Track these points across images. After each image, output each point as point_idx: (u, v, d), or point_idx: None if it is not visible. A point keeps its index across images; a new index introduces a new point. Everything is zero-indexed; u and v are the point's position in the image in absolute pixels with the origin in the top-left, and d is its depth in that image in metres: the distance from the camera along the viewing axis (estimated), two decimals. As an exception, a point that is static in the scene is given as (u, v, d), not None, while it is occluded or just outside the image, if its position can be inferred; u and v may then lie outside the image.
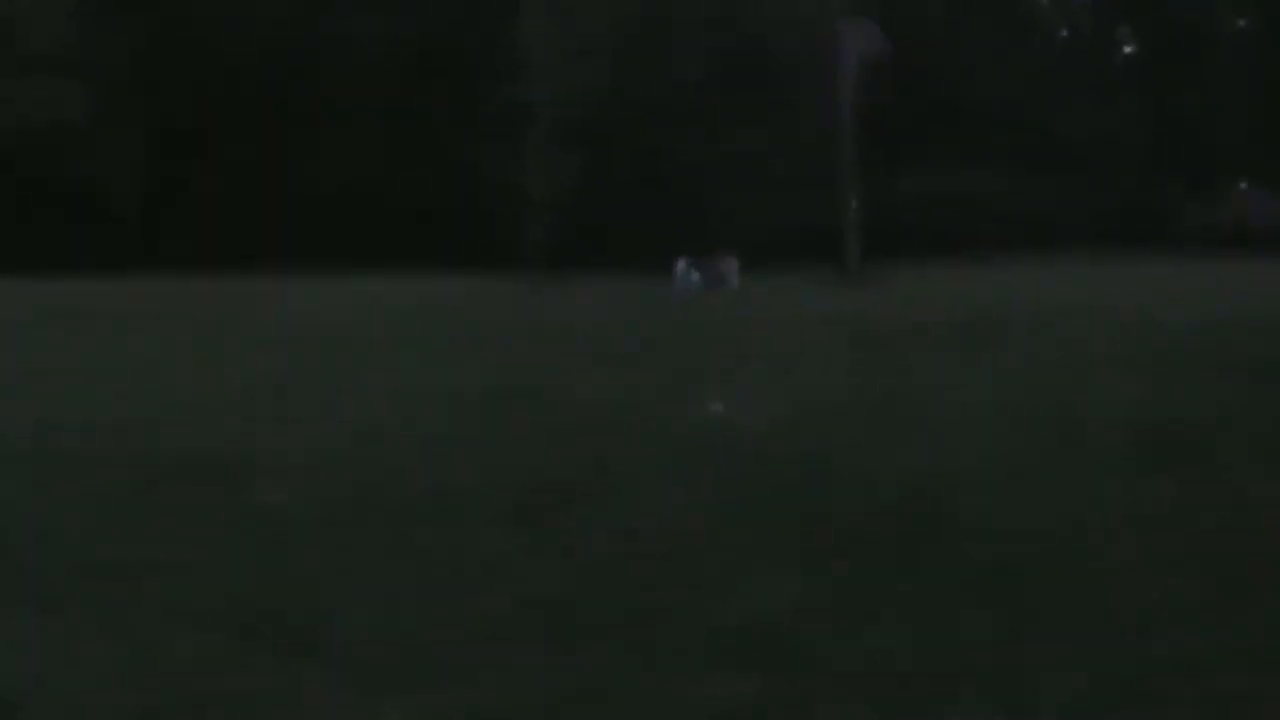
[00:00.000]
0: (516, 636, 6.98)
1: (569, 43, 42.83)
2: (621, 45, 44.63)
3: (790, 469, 10.95)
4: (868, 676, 6.44)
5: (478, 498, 9.96)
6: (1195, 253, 44.87)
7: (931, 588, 7.67)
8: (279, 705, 6.21)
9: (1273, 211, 50.06)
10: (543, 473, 10.87)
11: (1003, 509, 9.40)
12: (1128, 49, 67.40)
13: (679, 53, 46.02)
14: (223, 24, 51.02)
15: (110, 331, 22.72)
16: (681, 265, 35.09)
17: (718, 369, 17.34)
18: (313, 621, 7.22)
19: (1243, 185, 56.17)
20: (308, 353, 19.38)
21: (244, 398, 15.26)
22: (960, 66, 56.24)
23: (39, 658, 6.78)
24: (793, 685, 6.34)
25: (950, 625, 7.04)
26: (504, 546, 8.63)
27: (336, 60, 50.00)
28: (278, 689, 6.35)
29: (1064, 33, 67.65)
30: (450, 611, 7.37)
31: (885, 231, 40.62)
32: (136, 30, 49.53)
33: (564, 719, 6.07)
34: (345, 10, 49.48)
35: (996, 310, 24.42)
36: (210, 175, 49.55)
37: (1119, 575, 7.84)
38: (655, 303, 28.68)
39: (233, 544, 8.79)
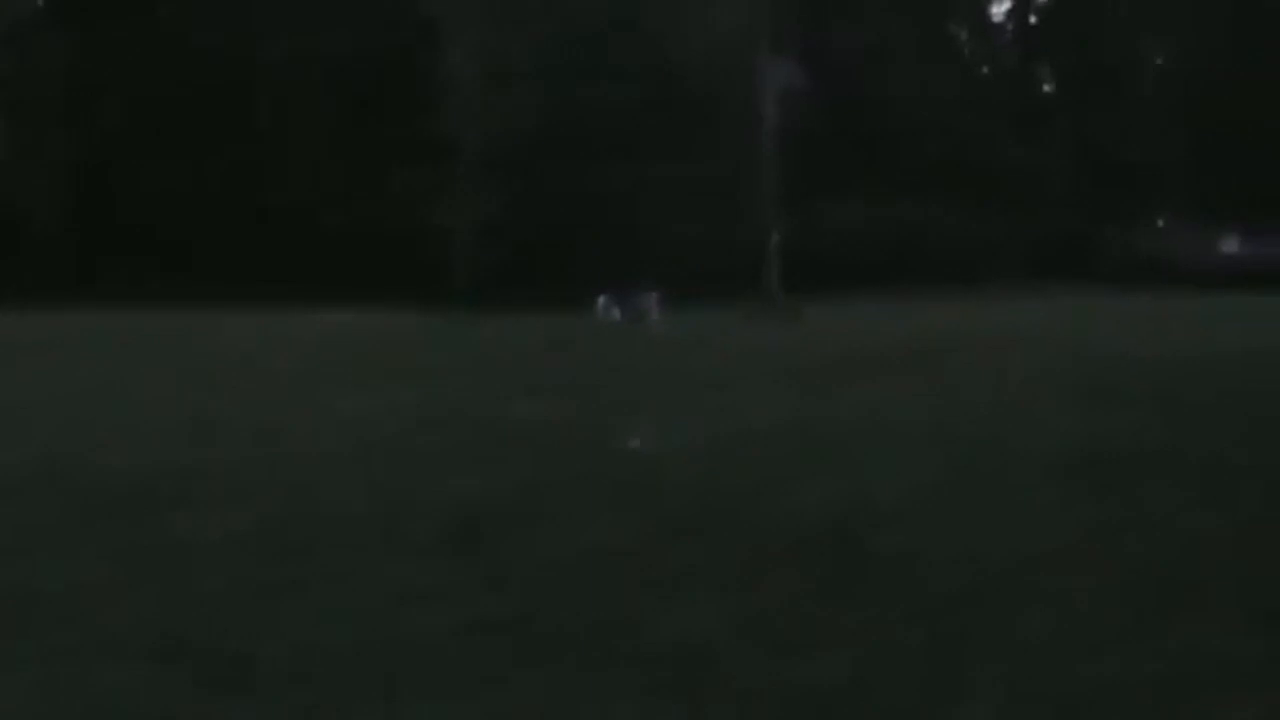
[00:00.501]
0: (448, 662, 7.00)
1: (494, 73, 42.72)
2: (547, 76, 44.56)
3: (717, 497, 10.89)
4: (794, 701, 6.47)
5: (408, 526, 9.96)
6: (1119, 285, 45.23)
7: (858, 614, 7.70)
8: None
9: (1195, 244, 50.49)
10: (471, 502, 10.83)
11: (928, 538, 9.43)
12: (1048, 86, 68.06)
13: (605, 84, 46.00)
14: (150, 52, 50.74)
15: (39, 362, 22.45)
16: (602, 301, 35.02)
17: (642, 400, 17.24)
18: (240, 650, 7.19)
19: (1160, 223, 56.71)
20: (236, 384, 19.25)
21: (172, 428, 15.12)
22: (883, 100, 56.45)
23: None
24: (720, 710, 6.41)
25: (877, 652, 7.08)
26: (434, 573, 8.62)
27: (265, 89, 49.83)
28: (202, 718, 6.34)
29: (985, 69, 68.19)
30: (381, 638, 7.36)
31: (811, 263, 40.63)
32: (62, 58, 49.13)
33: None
34: (274, 39, 49.22)
35: (922, 341, 24.45)
36: (139, 203, 49.16)
37: (1044, 603, 7.89)
38: (578, 335, 28.56)
39: (158, 573, 8.73)
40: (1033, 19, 67.23)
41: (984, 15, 67.94)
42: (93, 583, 8.37)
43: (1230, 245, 49.97)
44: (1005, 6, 67.68)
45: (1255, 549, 9.14)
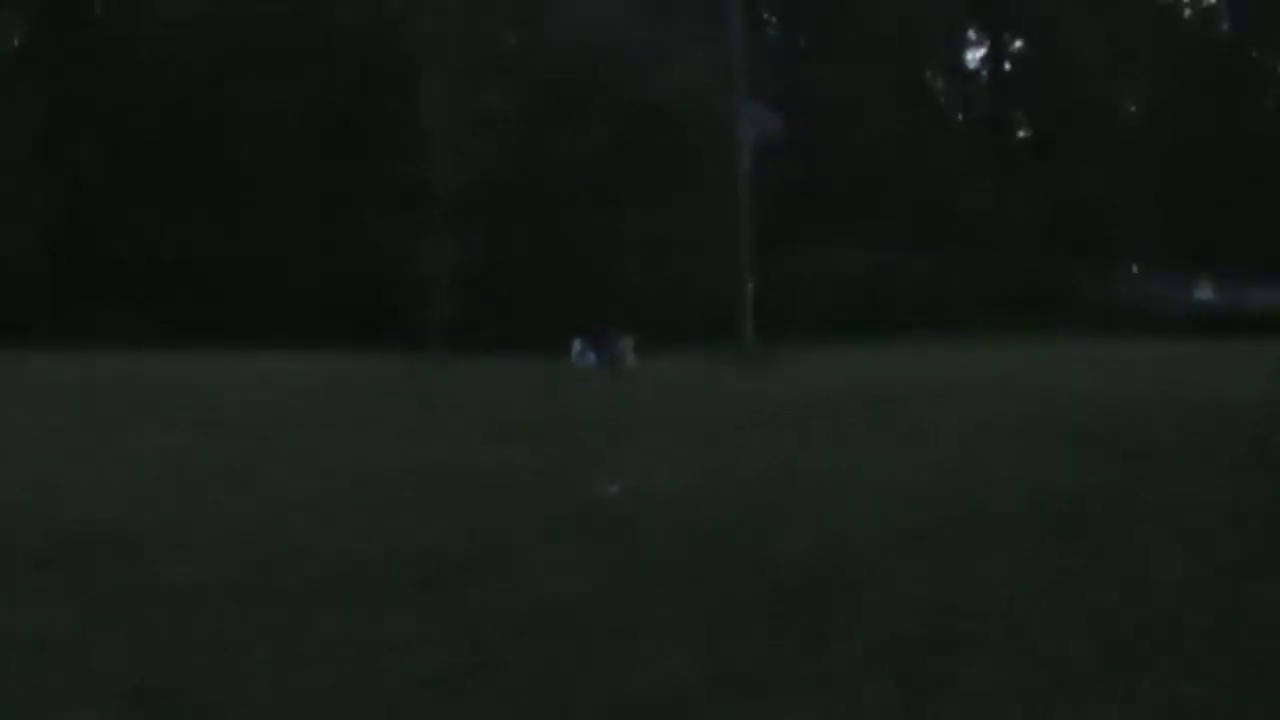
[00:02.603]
0: (419, 711, 6.97)
1: (469, 118, 42.79)
2: (521, 121, 44.69)
3: (691, 544, 10.90)
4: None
5: (380, 573, 9.91)
6: (1092, 330, 45.37)
7: (831, 660, 7.68)
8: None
9: (1168, 291, 50.68)
10: (444, 548, 10.78)
11: (902, 584, 9.41)
12: (1022, 132, 68.38)
13: (580, 131, 46.14)
14: (133, 95, 50.77)
15: (14, 406, 22.30)
16: (577, 345, 35.07)
17: (617, 446, 17.24)
18: (211, 697, 7.14)
19: (1133, 267, 56.98)
20: (210, 430, 19.21)
21: (142, 474, 15.08)
22: (858, 146, 56.69)
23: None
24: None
25: (851, 698, 7.05)
26: (406, 622, 8.57)
27: (242, 133, 49.80)
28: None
29: (960, 116, 68.51)
30: (352, 688, 7.31)
31: (783, 308, 40.74)
32: (41, 100, 49.13)
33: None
34: (251, 84, 49.26)
35: (894, 387, 24.51)
36: (116, 246, 49.09)
37: (1018, 647, 7.89)
38: (553, 380, 28.56)
39: (127, 620, 8.65)
40: (1007, 65, 67.56)
41: (959, 61, 68.25)
42: (60, 630, 8.30)
43: (1203, 292, 50.20)
44: (980, 53, 67.96)
45: (1225, 594, 9.16)
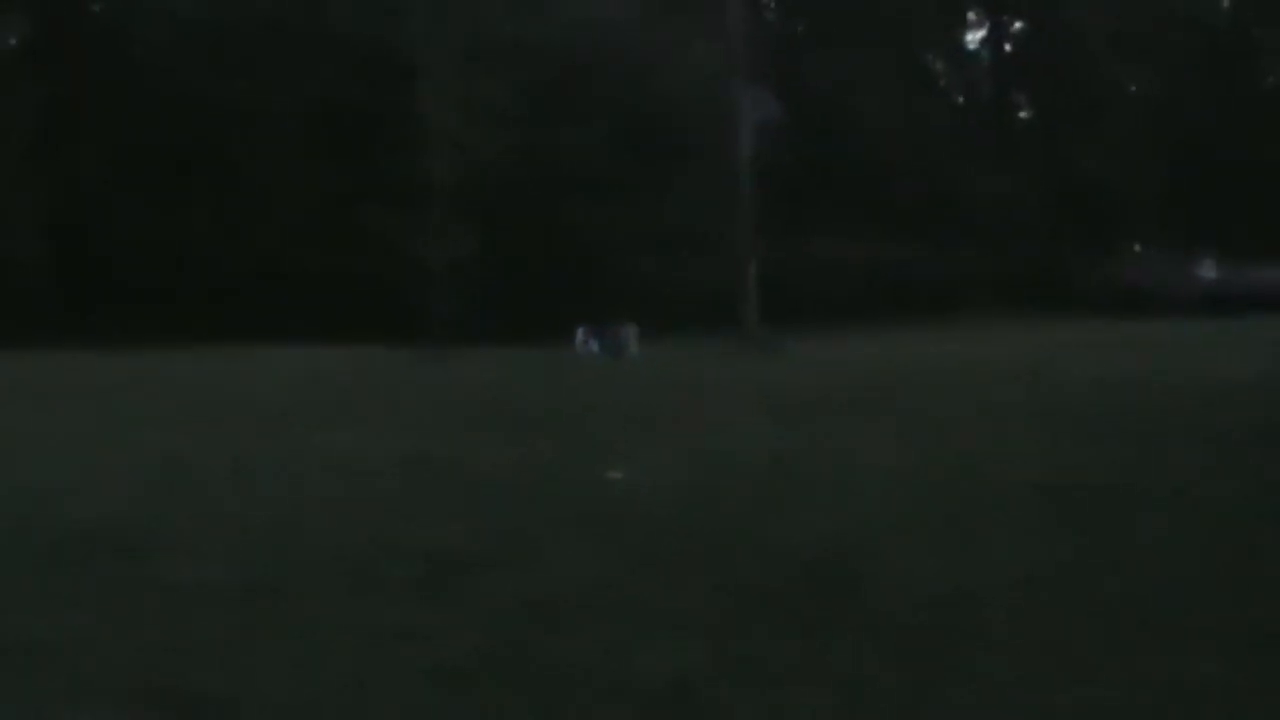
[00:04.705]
0: (429, 704, 6.97)
1: (467, 111, 42.71)
2: (522, 115, 44.63)
3: (698, 533, 10.89)
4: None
5: (390, 567, 9.89)
6: (1095, 313, 45.37)
7: (840, 650, 7.68)
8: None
9: (1172, 272, 50.62)
10: (453, 541, 10.77)
11: (909, 571, 9.43)
12: (1024, 114, 68.33)
13: (580, 122, 46.10)
14: (129, 93, 50.73)
15: (12, 405, 22.25)
16: (581, 334, 35.05)
17: (622, 435, 17.22)
18: (224, 693, 7.14)
19: (1136, 248, 56.96)
20: (212, 425, 19.14)
21: (147, 471, 15.01)
22: (859, 131, 56.62)
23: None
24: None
25: (859, 687, 7.05)
26: (411, 616, 8.55)
27: (242, 131, 49.71)
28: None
29: (961, 99, 68.45)
30: (360, 683, 7.31)
31: (787, 297, 40.67)
32: (42, 98, 49.05)
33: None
34: (250, 81, 49.20)
35: (900, 373, 24.51)
36: (115, 246, 49.03)
37: (1023, 635, 7.89)
38: (557, 370, 28.55)
39: (138, 618, 8.65)
40: (1008, 47, 67.47)
41: (959, 44, 68.17)
42: (70, 628, 8.30)
43: (1207, 272, 50.14)
44: (980, 35, 67.86)
45: (1234, 577, 9.16)
